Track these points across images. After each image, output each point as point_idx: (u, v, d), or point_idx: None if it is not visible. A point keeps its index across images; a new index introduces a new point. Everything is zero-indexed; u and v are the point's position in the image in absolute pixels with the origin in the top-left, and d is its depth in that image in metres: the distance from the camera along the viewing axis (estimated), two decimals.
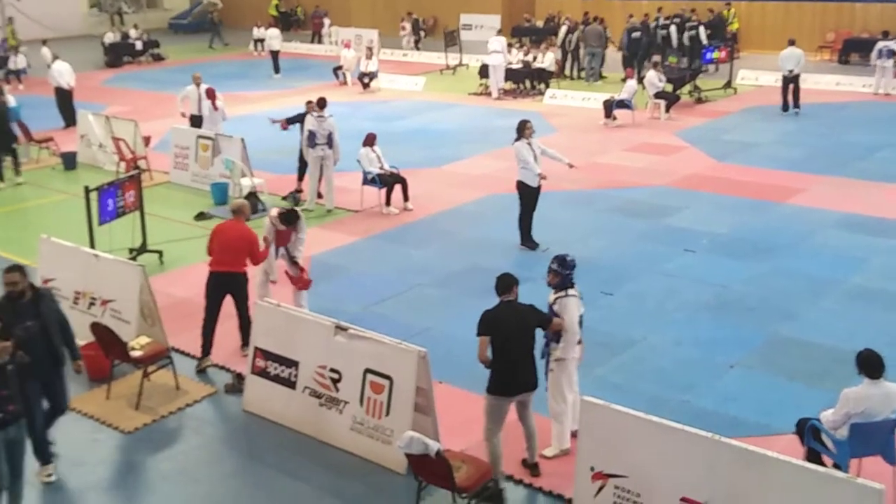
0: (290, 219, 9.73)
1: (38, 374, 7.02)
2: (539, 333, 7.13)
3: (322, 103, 14.08)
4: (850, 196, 14.27)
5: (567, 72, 26.44)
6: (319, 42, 34.71)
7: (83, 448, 7.87)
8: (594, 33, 25.27)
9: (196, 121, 17.18)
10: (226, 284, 9.12)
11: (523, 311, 6.90)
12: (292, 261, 9.83)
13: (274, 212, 9.86)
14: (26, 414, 6.66)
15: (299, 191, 14.77)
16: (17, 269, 7.08)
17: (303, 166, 14.59)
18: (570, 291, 7.28)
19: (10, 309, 6.95)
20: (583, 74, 26.12)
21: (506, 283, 6.94)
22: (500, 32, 25.14)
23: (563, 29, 26.65)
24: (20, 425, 6.52)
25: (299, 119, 14.70)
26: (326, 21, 35.12)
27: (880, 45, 22.58)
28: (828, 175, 15.55)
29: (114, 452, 7.81)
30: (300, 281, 9.83)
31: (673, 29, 25.85)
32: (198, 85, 17.04)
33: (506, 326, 6.78)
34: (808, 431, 6.76)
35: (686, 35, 25.86)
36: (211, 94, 16.72)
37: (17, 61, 27.60)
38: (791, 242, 12.29)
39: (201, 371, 9.12)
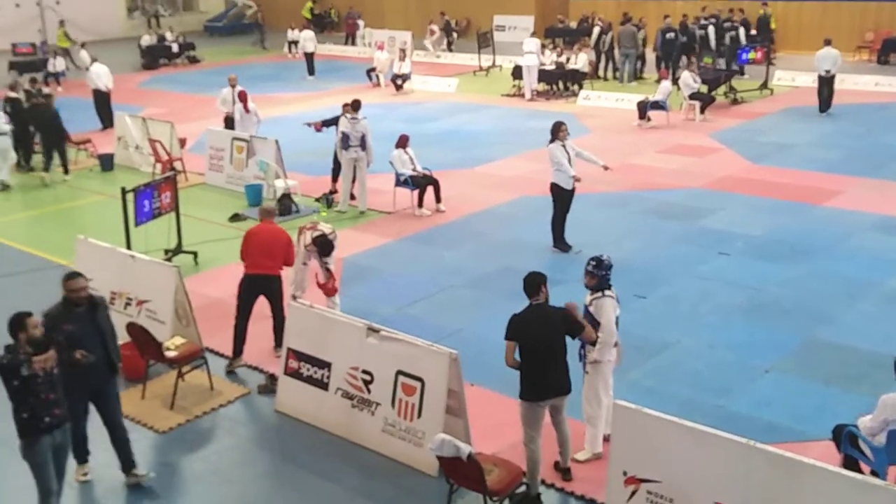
0: (326, 250, 9.77)
1: (93, 381, 7.02)
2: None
3: (356, 105, 14.13)
4: (888, 198, 14.06)
5: (601, 73, 26.31)
6: (353, 44, 34.86)
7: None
8: (627, 34, 25.12)
9: (230, 122, 17.33)
10: (261, 287, 9.20)
11: (552, 314, 6.83)
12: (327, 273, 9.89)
13: (308, 238, 9.83)
14: (70, 412, 6.66)
15: (334, 192, 14.84)
16: (80, 275, 7.03)
17: (337, 168, 14.66)
18: (608, 293, 7.24)
19: (65, 316, 6.86)
20: (617, 75, 25.99)
21: (534, 284, 6.85)
22: (533, 34, 25.06)
23: (597, 30, 26.53)
24: (65, 429, 6.55)
25: (334, 121, 14.78)
26: (360, 23, 35.27)
27: None
28: (865, 177, 15.32)
29: (148, 452, 7.89)
30: (327, 287, 9.84)
31: (711, 29, 25.60)
32: (233, 87, 17.19)
33: (533, 331, 6.73)
34: (844, 438, 6.67)
35: (727, 35, 25.61)
36: (243, 97, 16.83)
37: (56, 64, 28.04)
38: (827, 245, 12.13)
39: (231, 372, 9.19)
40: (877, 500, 5.28)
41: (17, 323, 6.21)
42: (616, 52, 25.96)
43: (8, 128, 16.63)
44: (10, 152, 16.82)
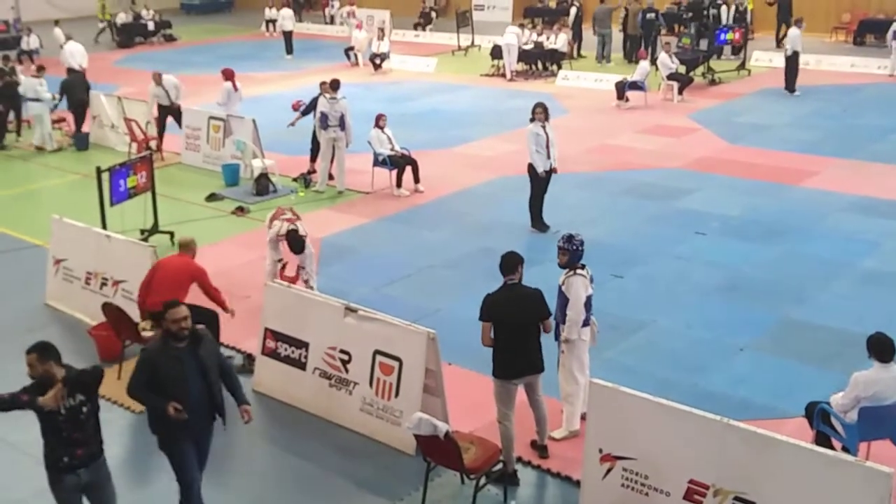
0: (297, 248, 9.62)
1: (196, 423, 6.09)
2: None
3: (335, 85, 14.05)
4: (864, 179, 14.18)
5: (580, 52, 26.25)
6: (332, 22, 34.53)
7: None
8: (603, 14, 25.13)
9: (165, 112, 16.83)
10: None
11: (526, 295, 6.85)
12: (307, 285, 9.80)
13: (284, 228, 9.69)
14: (180, 479, 6.17)
15: (312, 172, 14.78)
16: (182, 303, 6.15)
17: (316, 147, 14.60)
18: (579, 271, 7.26)
19: (162, 354, 5.98)
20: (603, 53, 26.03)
21: (510, 263, 6.90)
22: (521, 25, 24.97)
23: (574, 10, 26.50)
24: (97, 467, 5.87)
25: (313, 105, 14.62)
26: (335, 3, 34.87)
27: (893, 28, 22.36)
28: (841, 158, 15.44)
29: (124, 432, 7.88)
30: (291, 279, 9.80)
31: (724, 8, 25.64)
32: (158, 83, 16.64)
33: (505, 311, 6.78)
34: (817, 415, 6.75)
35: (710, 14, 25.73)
36: (229, 75, 16.39)
37: (30, 42, 27.67)
38: (803, 225, 12.22)
39: None
40: (847, 476, 5.36)
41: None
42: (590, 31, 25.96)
43: None
44: None
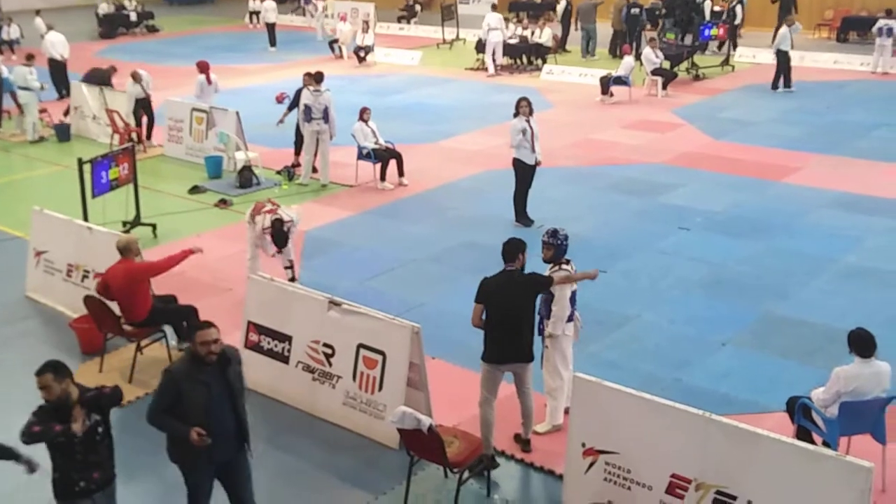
0: (280, 241, 9.69)
1: (220, 453, 5.71)
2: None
3: (319, 77, 14.00)
4: (847, 175, 14.26)
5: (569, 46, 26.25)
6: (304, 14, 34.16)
7: None
8: (587, 8, 25.15)
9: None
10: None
11: (521, 282, 6.88)
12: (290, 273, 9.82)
13: (267, 221, 9.70)
14: (191, 490, 5.80)
15: (296, 164, 14.71)
16: (213, 325, 5.71)
17: (299, 140, 14.53)
18: (564, 266, 7.26)
19: (188, 378, 5.59)
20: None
21: (512, 250, 6.92)
22: (494, 8, 24.93)
23: (563, 4, 26.50)
24: (111, 492, 5.62)
25: (296, 102, 14.54)
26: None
27: (881, 23, 22.49)
28: (824, 154, 15.51)
29: None
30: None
31: (707, 3, 25.69)
32: (137, 81, 16.56)
33: (498, 296, 6.81)
34: (798, 409, 6.79)
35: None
36: (204, 67, 16.43)
37: (11, 31, 27.40)
38: (786, 221, 12.28)
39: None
40: (828, 470, 5.39)
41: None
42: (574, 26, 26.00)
43: None
44: None
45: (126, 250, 8.39)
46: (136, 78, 16.41)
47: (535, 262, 7.60)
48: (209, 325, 5.68)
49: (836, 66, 23.36)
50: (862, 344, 6.54)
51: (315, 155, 14.19)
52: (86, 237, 9.80)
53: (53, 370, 5.33)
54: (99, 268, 9.54)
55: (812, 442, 6.37)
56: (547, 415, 7.49)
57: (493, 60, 23.34)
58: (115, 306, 8.54)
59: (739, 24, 25.95)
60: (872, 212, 12.56)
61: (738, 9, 25.86)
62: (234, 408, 5.70)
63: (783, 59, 20.40)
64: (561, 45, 25.93)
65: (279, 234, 9.65)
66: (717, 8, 25.97)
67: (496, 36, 23.29)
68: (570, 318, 7.34)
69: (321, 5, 28.47)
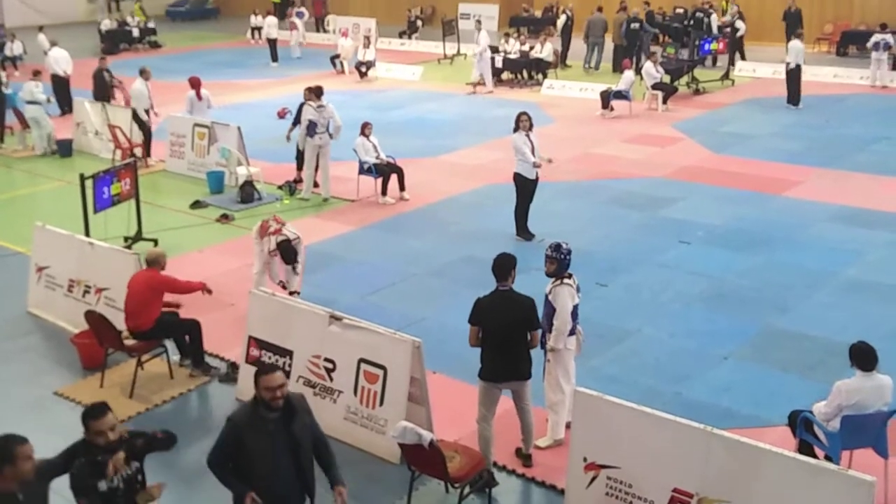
0: (289, 258, 9.72)
1: None
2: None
3: (319, 92, 14.06)
4: (847, 189, 14.27)
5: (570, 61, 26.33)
6: (325, 30, 34.31)
7: (76, 436, 7.83)
8: (598, 23, 25.27)
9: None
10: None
11: (517, 302, 6.87)
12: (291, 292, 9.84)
13: (273, 243, 9.75)
14: None
15: (298, 180, 14.73)
16: (279, 368, 5.41)
17: (301, 155, 14.57)
18: (566, 280, 7.27)
19: (251, 427, 5.17)
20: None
21: (503, 268, 6.89)
22: (479, 25, 24.90)
23: (563, 18, 26.62)
24: None
25: (299, 118, 14.58)
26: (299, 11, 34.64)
27: (876, 37, 22.56)
28: (824, 167, 15.54)
29: None
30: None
31: (714, 17, 25.80)
32: (147, 79, 16.63)
33: (496, 315, 6.80)
34: (800, 423, 6.78)
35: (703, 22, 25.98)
36: (195, 83, 16.48)
37: (14, 48, 27.52)
38: (786, 235, 12.29)
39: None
40: (830, 484, 5.38)
41: (91, 414, 5.06)
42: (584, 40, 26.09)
43: None
44: None
45: (154, 262, 8.62)
46: (145, 74, 16.46)
47: (538, 276, 7.62)
48: (274, 368, 5.35)
49: (836, 79, 23.43)
50: (863, 357, 6.54)
51: (316, 169, 14.23)
52: (87, 252, 9.82)
53: (110, 411, 5.01)
54: (100, 283, 9.58)
55: (814, 456, 6.36)
56: (548, 429, 7.48)
57: (487, 76, 23.22)
58: (117, 320, 8.56)
59: (742, 37, 25.99)
60: (873, 225, 12.57)
61: (740, 22, 25.96)
62: (298, 462, 5.29)
63: (798, 73, 20.22)
64: (562, 60, 26.02)
65: (288, 251, 9.69)
66: (719, 23, 26.12)
67: (488, 54, 23.17)
68: (573, 332, 7.33)
69: (300, 24, 28.65)
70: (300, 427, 5.30)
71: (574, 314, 7.27)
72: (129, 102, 17.53)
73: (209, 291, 8.86)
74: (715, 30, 25.33)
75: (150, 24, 33.64)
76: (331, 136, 14.07)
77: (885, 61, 22.56)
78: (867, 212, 13.12)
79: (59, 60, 20.71)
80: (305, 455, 5.34)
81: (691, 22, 25.77)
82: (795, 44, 20.12)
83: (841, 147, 16.86)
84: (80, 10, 40.06)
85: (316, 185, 14.36)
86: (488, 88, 23.15)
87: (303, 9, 32.47)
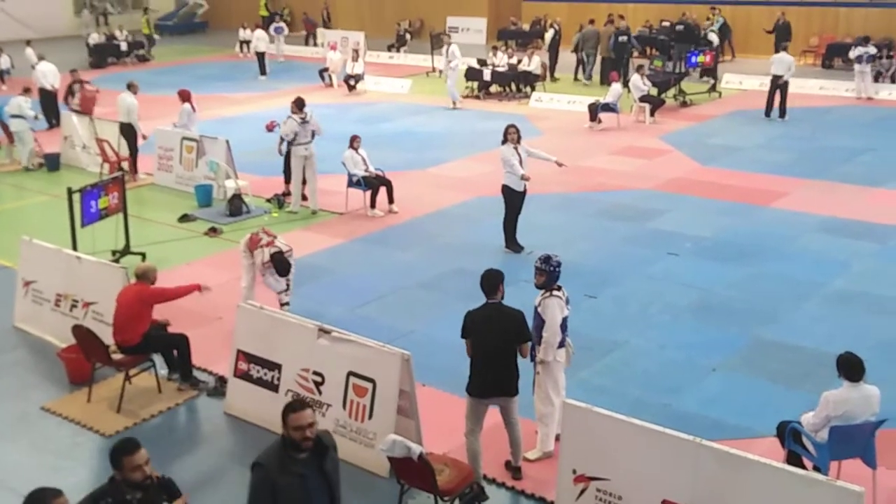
0: (283, 269, 9.71)
1: None
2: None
3: (300, 104, 14.09)
4: (833, 200, 14.36)
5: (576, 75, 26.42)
6: (315, 44, 34.37)
7: (63, 451, 7.82)
8: (592, 35, 25.43)
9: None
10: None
11: (506, 315, 6.88)
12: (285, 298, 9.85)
13: (266, 255, 9.73)
14: None
15: (287, 193, 14.70)
16: (307, 405, 5.08)
17: (289, 168, 14.56)
18: (556, 293, 7.27)
19: (282, 471, 4.92)
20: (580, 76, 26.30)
21: (492, 282, 6.91)
22: (449, 39, 24.87)
23: (551, 32, 26.74)
24: None
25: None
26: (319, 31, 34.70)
27: (859, 50, 22.71)
28: (811, 179, 15.63)
29: (94, 455, 7.76)
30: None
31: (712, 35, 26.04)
32: (135, 93, 16.58)
33: (482, 329, 6.82)
34: (788, 434, 6.79)
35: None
36: (185, 96, 16.50)
37: (1, 62, 27.43)
38: (774, 246, 12.34)
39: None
40: (819, 495, 5.39)
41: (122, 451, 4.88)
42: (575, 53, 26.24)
43: None
44: None
45: (143, 276, 8.58)
46: (133, 88, 16.40)
47: (527, 288, 7.62)
48: (303, 405, 4.99)
49: (822, 91, 23.60)
50: (851, 368, 6.56)
51: (304, 182, 14.23)
52: (74, 267, 9.78)
53: (140, 446, 4.81)
54: (88, 297, 9.53)
55: (803, 467, 6.37)
56: (538, 441, 7.47)
57: (454, 91, 22.84)
58: (104, 334, 8.51)
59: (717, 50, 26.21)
60: (859, 236, 12.64)
61: (712, 35, 26.17)
62: (332, 502, 5.05)
63: (786, 86, 20.35)
64: (550, 73, 26.11)
65: (282, 263, 9.68)
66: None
67: (458, 66, 22.93)
68: (562, 344, 7.34)
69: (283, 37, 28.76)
70: (332, 465, 5.06)
71: (563, 326, 7.28)
72: (87, 105, 17.52)
73: (206, 289, 8.87)
74: (716, 39, 25.54)
75: (156, 37, 34.16)
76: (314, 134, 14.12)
77: (867, 73, 22.76)
78: (854, 223, 13.20)
79: (47, 74, 20.67)
80: (338, 495, 5.11)
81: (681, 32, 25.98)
82: (786, 56, 20.25)
83: (827, 158, 16.97)
84: (67, 25, 39.99)
85: (304, 198, 14.35)
86: (456, 103, 22.66)
87: (282, 24, 32.43)
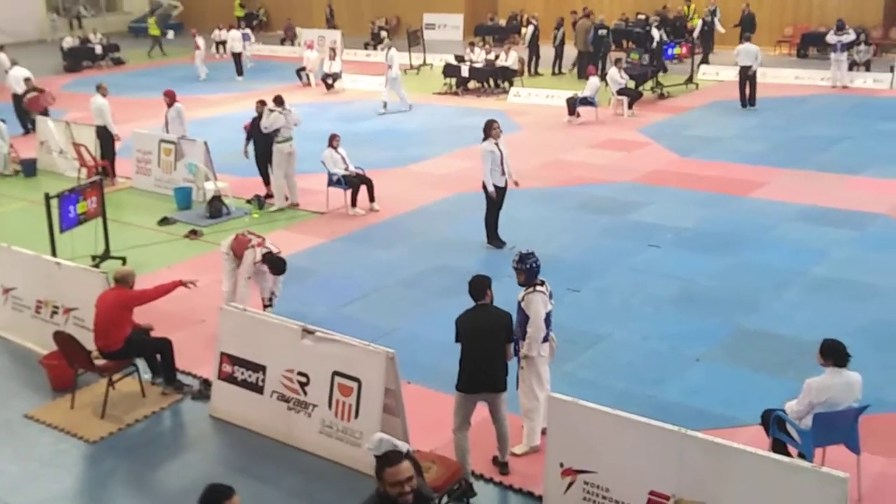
0: (279, 268, 9.68)
1: None
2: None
3: (280, 100, 14.16)
4: (811, 188, 14.46)
5: (554, 69, 26.39)
6: (291, 44, 34.23)
7: (47, 458, 7.77)
8: (583, 29, 25.51)
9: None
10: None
11: (493, 315, 6.94)
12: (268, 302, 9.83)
13: (258, 255, 9.66)
14: None
15: (268, 196, 14.66)
16: (405, 456, 4.55)
17: (264, 170, 14.59)
18: (538, 288, 7.30)
19: None
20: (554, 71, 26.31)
21: (479, 287, 6.97)
22: (390, 43, 24.56)
23: (531, 28, 26.71)
24: None
25: (252, 133, 14.61)
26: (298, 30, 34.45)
27: (832, 38, 22.87)
28: (788, 168, 15.73)
29: (79, 462, 7.72)
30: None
31: (654, 31, 26.08)
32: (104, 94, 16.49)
33: (473, 326, 6.86)
34: (772, 422, 6.84)
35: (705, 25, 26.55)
36: (170, 96, 16.46)
37: None
38: (754, 235, 12.42)
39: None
40: (804, 482, 5.44)
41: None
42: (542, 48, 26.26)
43: None
44: None
45: (122, 280, 8.49)
46: (101, 90, 16.27)
47: (510, 283, 7.64)
48: (399, 458, 4.46)
49: (797, 81, 23.76)
50: (836, 354, 6.61)
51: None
52: (54, 273, 9.70)
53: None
54: (68, 303, 9.47)
55: (787, 454, 6.43)
56: (524, 436, 7.49)
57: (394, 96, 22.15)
58: (86, 340, 8.45)
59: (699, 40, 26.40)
60: (837, 224, 12.74)
61: (717, 23, 26.40)
62: None
63: (743, 75, 20.58)
64: (531, 69, 26.07)
65: (276, 262, 9.65)
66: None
67: (396, 72, 22.15)
68: (546, 339, 7.36)
69: (202, 43, 28.42)
70: None
71: (547, 321, 7.30)
72: (33, 104, 17.43)
73: (192, 284, 8.79)
74: (697, 32, 25.73)
75: (170, 36, 34.48)
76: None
77: (843, 62, 22.92)
78: (832, 211, 13.30)
79: (20, 79, 20.47)
80: None
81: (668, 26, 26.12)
82: (751, 46, 20.44)
83: (804, 147, 17.08)
84: (41, 29, 39.65)
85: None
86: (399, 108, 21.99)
87: (248, 31, 32.07)
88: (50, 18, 38.86)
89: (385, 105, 21.87)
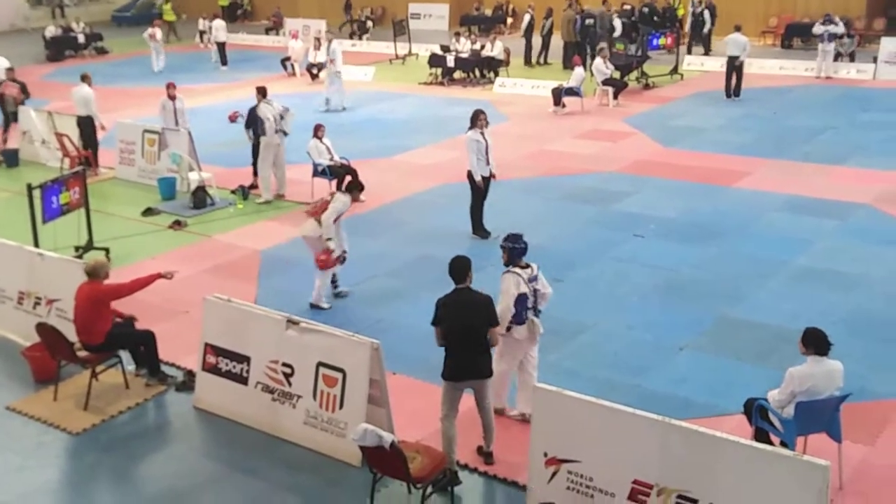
0: (359, 184, 10.56)
1: None
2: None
3: (264, 91, 14.06)
4: (795, 179, 14.52)
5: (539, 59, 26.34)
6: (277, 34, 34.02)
7: (29, 451, 7.73)
8: (603, 17, 25.51)
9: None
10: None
11: (475, 300, 6.91)
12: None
13: (341, 193, 10.15)
14: None
15: (253, 186, 14.59)
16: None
17: (256, 159, 14.51)
18: (514, 269, 7.36)
19: None
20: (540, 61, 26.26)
21: (460, 270, 6.94)
22: (330, 35, 24.17)
23: (527, 17, 26.56)
24: None
25: (251, 121, 14.46)
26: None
27: (820, 28, 22.96)
28: (773, 158, 15.79)
29: (62, 454, 7.68)
30: (328, 261, 10.07)
31: (616, 21, 26.09)
32: (89, 84, 16.35)
33: (456, 314, 6.84)
34: (755, 411, 6.88)
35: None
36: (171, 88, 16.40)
37: None
38: (738, 225, 12.47)
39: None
40: (786, 470, 5.47)
41: None
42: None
43: None
44: None
45: (94, 273, 8.29)
46: (86, 80, 16.14)
47: (494, 273, 7.65)
48: None
49: (782, 71, 23.84)
50: (817, 342, 6.64)
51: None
52: (37, 264, 9.64)
53: None
54: (51, 294, 9.41)
55: (770, 443, 6.46)
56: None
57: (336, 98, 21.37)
58: (69, 331, 8.40)
59: (710, 31, 26.42)
60: (821, 214, 12.80)
61: (707, 14, 26.35)
62: None
63: (741, 66, 20.66)
64: (529, 59, 25.93)
65: (353, 181, 10.54)
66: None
67: (340, 67, 21.47)
68: (522, 321, 7.38)
69: (159, 34, 28.11)
70: None
71: (524, 302, 7.33)
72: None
73: (170, 275, 8.62)
74: (689, 23, 25.74)
75: (96, 30, 33.16)
76: (285, 133, 14.05)
77: (830, 52, 23.01)
78: (815, 201, 13.37)
79: (1, 69, 20.25)
80: None
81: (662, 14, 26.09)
82: (740, 37, 20.47)
83: (789, 138, 17.15)
84: (23, 17, 39.31)
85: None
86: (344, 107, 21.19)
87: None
88: (24, 11, 38.51)
89: (328, 101, 21.01)
